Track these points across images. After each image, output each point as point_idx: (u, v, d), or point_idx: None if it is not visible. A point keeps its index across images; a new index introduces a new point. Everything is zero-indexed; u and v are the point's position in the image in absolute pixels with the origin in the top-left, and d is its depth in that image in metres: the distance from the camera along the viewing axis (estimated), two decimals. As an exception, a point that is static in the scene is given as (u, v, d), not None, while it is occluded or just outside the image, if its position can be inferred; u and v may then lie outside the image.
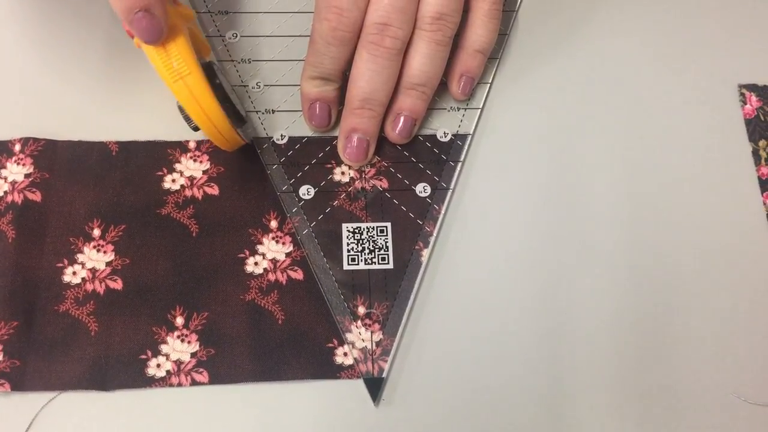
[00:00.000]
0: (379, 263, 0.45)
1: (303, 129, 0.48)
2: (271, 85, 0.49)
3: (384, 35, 0.42)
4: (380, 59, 0.43)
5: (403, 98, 0.46)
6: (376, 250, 0.45)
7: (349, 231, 0.46)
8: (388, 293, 0.44)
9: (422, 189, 0.47)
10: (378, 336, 0.43)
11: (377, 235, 0.46)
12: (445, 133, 0.48)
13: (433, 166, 0.47)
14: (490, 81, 0.50)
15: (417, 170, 0.47)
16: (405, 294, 0.44)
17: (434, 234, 0.45)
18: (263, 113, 0.48)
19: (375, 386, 0.42)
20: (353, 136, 0.46)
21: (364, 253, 0.45)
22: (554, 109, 0.50)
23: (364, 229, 0.46)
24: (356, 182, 0.47)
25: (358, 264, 0.45)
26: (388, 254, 0.45)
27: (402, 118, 0.46)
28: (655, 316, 0.44)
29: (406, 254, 0.45)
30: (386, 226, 0.46)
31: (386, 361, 0.43)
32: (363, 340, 0.43)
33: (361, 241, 0.45)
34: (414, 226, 0.46)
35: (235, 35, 0.51)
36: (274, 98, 0.49)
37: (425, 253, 0.45)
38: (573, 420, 0.42)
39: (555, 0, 0.54)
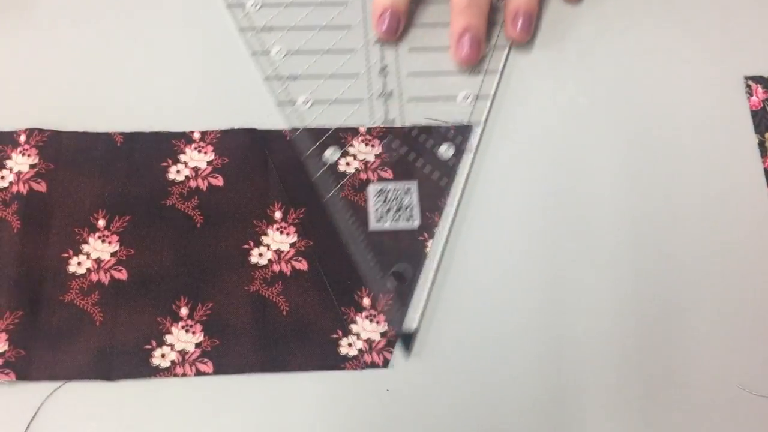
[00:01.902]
0: (404, 221, 0.45)
1: (327, 93, 0.49)
2: (293, 53, 0.50)
3: None
4: None
5: None
6: (402, 209, 0.45)
7: (375, 192, 0.46)
8: (392, 283, 0.44)
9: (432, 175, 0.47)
10: (383, 327, 0.43)
11: (403, 195, 0.46)
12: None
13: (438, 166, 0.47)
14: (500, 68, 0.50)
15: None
16: (410, 285, 0.44)
17: (439, 225, 0.45)
18: (287, 79, 0.49)
19: (407, 339, 0.43)
20: (465, 36, 0.47)
21: (391, 213, 0.45)
22: (557, 102, 0.50)
23: (390, 190, 0.46)
24: (361, 173, 0.47)
25: (385, 222, 0.45)
26: (413, 213, 0.45)
27: (521, 17, 0.49)
28: (662, 307, 0.44)
29: (412, 244, 0.45)
30: (412, 186, 0.46)
31: (391, 352, 0.43)
32: (368, 331, 0.43)
33: (387, 201, 0.45)
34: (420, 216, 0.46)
35: (257, 5, 0.51)
36: (298, 64, 0.50)
37: (430, 243, 0.45)
38: (576, 416, 0.42)
39: None
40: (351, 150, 0.47)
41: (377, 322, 0.43)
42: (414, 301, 0.44)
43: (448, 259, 0.45)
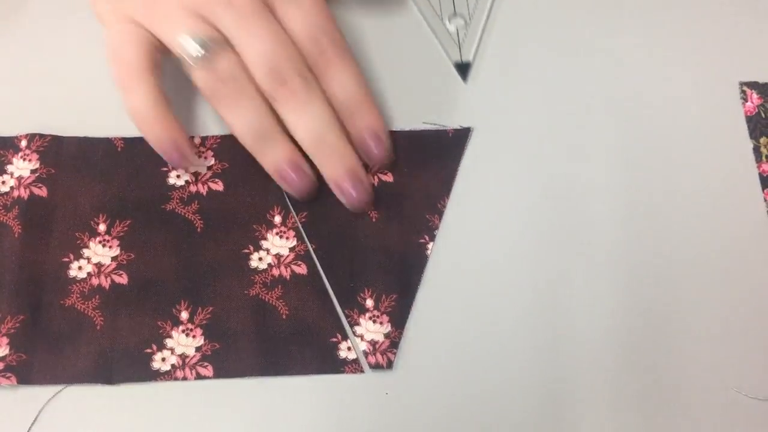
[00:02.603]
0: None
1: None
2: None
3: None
4: None
5: None
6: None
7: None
8: (395, 285, 0.44)
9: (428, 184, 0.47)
10: (386, 328, 0.44)
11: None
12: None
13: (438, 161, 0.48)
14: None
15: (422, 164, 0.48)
16: (412, 287, 0.44)
17: (439, 227, 0.46)
18: None
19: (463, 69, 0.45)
20: (343, 183, 0.44)
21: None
22: (552, 106, 0.50)
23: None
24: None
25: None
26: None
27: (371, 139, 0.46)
28: (656, 312, 0.45)
29: (413, 246, 0.45)
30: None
31: (394, 353, 0.43)
32: (371, 332, 0.43)
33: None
34: (420, 218, 0.46)
35: None
36: None
37: (431, 246, 0.45)
38: (573, 413, 0.42)
39: (557, -2, 0.54)
40: None
41: (380, 323, 0.44)
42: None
43: (444, 261, 0.45)
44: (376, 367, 0.43)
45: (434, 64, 0.51)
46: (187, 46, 0.41)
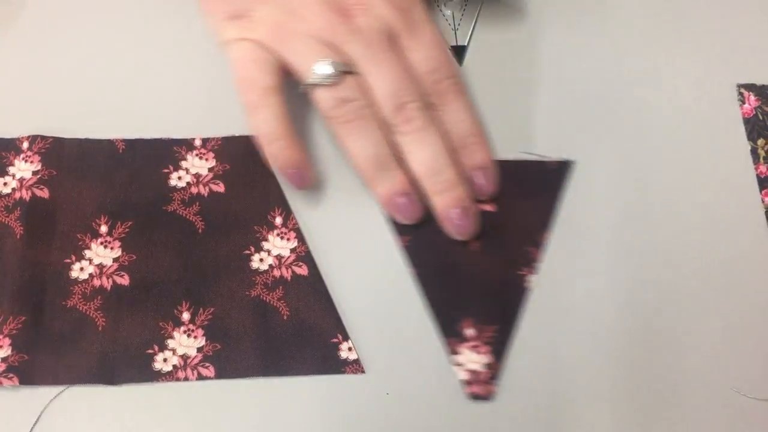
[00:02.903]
0: None
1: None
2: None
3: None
4: None
5: None
6: None
7: None
8: (496, 316, 0.44)
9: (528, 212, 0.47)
10: (487, 359, 0.43)
11: None
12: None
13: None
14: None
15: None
16: (512, 319, 0.44)
17: (539, 260, 0.46)
18: None
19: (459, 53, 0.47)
20: (451, 212, 0.44)
21: None
22: (546, 97, 0.50)
23: None
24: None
25: None
26: None
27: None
28: (655, 312, 0.45)
29: (512, 278, 0.45)
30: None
31: (495, 385, 0.43)
32: (472, 362, 0.43)
33: None
34: (520, 250, 0.46)
35: None
36: None
37: (531, 279, 0.45)
38: (573, 416, 0.43)
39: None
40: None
41: (481, 353, 0.43)
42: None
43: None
44: (476, 397, 0.42)
45: None
46: (318, 67, 0.42)
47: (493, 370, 0.43)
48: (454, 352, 0.43)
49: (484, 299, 0.45)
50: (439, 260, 0.46)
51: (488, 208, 0.47)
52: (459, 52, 0.51)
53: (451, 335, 0.44)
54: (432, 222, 0.46)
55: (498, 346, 0.44)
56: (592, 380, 0.43)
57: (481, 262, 0.46)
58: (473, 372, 0.43)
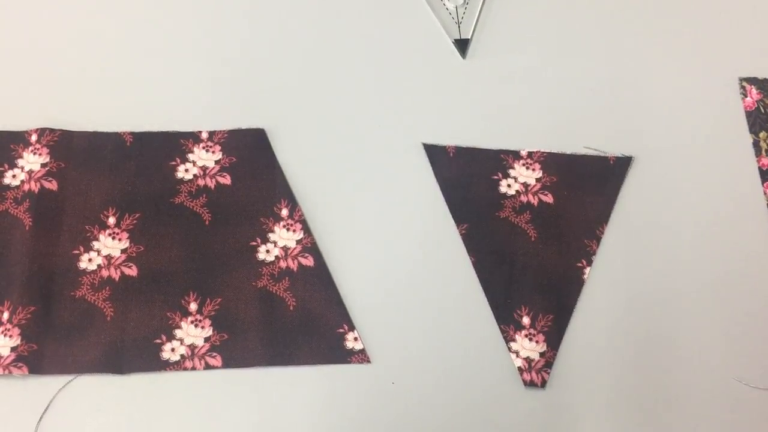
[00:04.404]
0: None
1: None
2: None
3: None
4: None
5: None
6: None
7: None
8: (552, 306, 0.45)
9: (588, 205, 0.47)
10: (542, 347, 0.44)
11: None
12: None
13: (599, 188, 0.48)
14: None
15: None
16: (568, 309, 0.45)
17: (596, 252, 0.46)
18: None
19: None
20: None
21: None
22: (553, 102, 0.51)
23: None
24: (521, 195, 0.48)
25: None
26: None
27: None
28: (658, 303, 0.45)
29: (570, 270, 0.46)
30: None
31: (548, 373, 0.43)
32: (527, 350, 0.44)
33: None
34: (578, 242, 0.47)
35: None
36: None
37: (588, 270, 0.46)
38: (574, 403, 0.43)
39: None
40: (512, 173, 0.48)
41: (536, 342, 0.44)
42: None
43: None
44: (530, 384, 0.43)
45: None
46: None
47: (548, 359, 0.44)
48: (511, 339, 0.44)
49: (540, 288, 0.45)
50: (496, 248, 0.46)
51: (547, 199, 0.48)
52: (462, 45, 0.51)
53: (507, 322, 0.44)
54: (490, 210, 0.47)
55: (553, 335, 0.44)
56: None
57: (538, 252, 0.46)
58: (528, 360, 0.44)
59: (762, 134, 0.50)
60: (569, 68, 0.52)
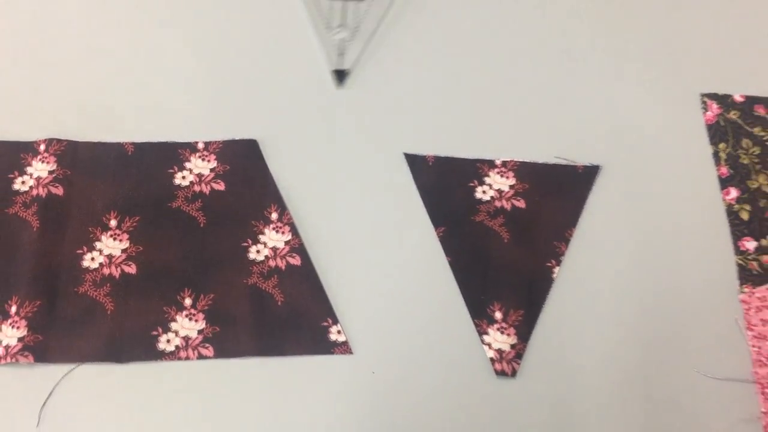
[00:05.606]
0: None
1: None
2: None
3: None
4: None
5: None
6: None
7: None
8: (523, 302, 0.48)
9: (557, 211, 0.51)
10: (513, 339, 0.47)
11: None
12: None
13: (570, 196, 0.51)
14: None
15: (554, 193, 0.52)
16: (537, 305, 0.48)
17: (565, 254, 0.50)
18: None
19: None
20: None
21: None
22: (530, 112, 0.55)
23: None
24: (495, 201, 0.51)
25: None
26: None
27: None
28: (622, 299, 0.49)
29: (540, 269, 0.49)
30: None
31: (519, 363, 0.46)
32: (499, 342, 0.47)
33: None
34: (548, 244, 0.50)
35: None
36: None
37: (557, 270, 0.49)
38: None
39: (522, 11, 0.59)
40: (487, 180, 0.52)
41: (507, 335, 0.47)
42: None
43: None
44: (501, 374, 0.46)
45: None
46: None
47: (518, 350, 0.47)
48: (484, 333, 0.47)
49: (512, 286, 0.49)
50: (471, 249, 0.50)
51: (519, 204, 0.51)
52: (340, 75, 0.55)
53: (480, 317, 0.48)
54: (466, 214, 0.50)
55: (523, 329, 0.47)
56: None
57: (511, 252, 0.49)
58: (500, 351, 0.47)
59: (721, 145, 0.54)
60: (536, 84, 0.56)
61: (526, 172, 0.52)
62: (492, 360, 0.46)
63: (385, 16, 0.58)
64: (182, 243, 0.49)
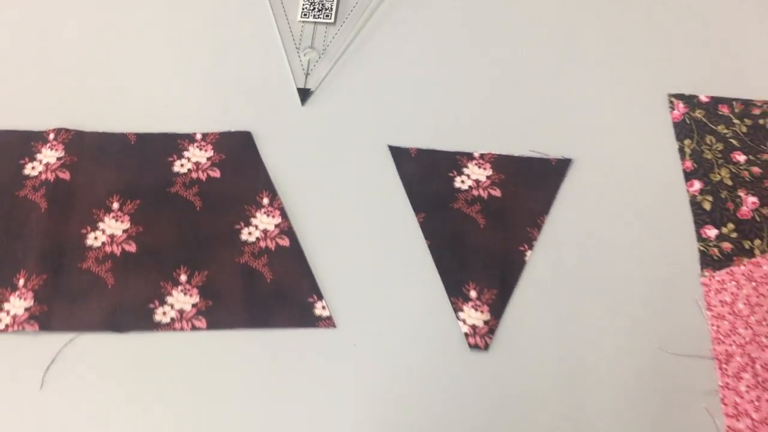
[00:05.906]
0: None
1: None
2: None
3: None
4: None
5: None
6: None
7: None
8: (496, 282, 0.51)
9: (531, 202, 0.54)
10: (486, 316, 0.50)
11: None
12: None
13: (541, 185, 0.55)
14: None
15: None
16: (510, 285, 0.51)
17: (537, 239, 0.53)
18: None
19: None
20: None
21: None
22: (508, 109, 0.58)
23: None
24: (473, 190, 0.54)
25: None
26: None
27: None
28: (590, 281, 0.52)
29: (513, 252, 0.52)
30: None
31: (491, 338, 0.49)
32: (473, 318, 0.50)
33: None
34: (521, 229, 0.53)
35: None
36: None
37: (529, 253, 0.52)
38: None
39: (499, 7, 0.63)
40: (465, 171, 0.55)
41: (481, 312, 0.50)
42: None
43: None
44: (474, 347, 0.49)
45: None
46: None
47: (491, 326, 0.50)
48: (459, 309, 0.50)
49: (487, 267, 0.52)
50: (449, 234, 0.53)
51: (495, 193, 0.54)
52: (304, 94, 0.58)
53: (456, 295, 0.51)
54: (445, 202, 0.54)
55: (496, 306, 0.51)
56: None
57: (486, 237, 0.53)
58: (473, 327, 0.50)
59: (686, 141, 0.57)
60: (513, 83, 0.60)
61: (502, 164, 0.55)
62: (466, 335, 0.49)
63: (376, 9, 0.62)
64: (179, 225, 0.52)
